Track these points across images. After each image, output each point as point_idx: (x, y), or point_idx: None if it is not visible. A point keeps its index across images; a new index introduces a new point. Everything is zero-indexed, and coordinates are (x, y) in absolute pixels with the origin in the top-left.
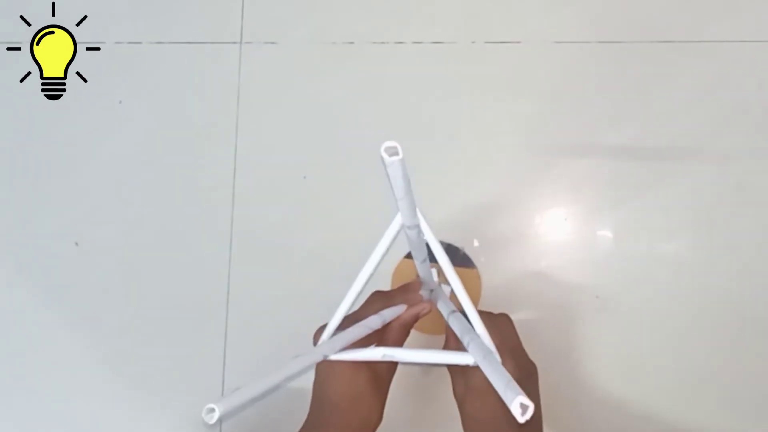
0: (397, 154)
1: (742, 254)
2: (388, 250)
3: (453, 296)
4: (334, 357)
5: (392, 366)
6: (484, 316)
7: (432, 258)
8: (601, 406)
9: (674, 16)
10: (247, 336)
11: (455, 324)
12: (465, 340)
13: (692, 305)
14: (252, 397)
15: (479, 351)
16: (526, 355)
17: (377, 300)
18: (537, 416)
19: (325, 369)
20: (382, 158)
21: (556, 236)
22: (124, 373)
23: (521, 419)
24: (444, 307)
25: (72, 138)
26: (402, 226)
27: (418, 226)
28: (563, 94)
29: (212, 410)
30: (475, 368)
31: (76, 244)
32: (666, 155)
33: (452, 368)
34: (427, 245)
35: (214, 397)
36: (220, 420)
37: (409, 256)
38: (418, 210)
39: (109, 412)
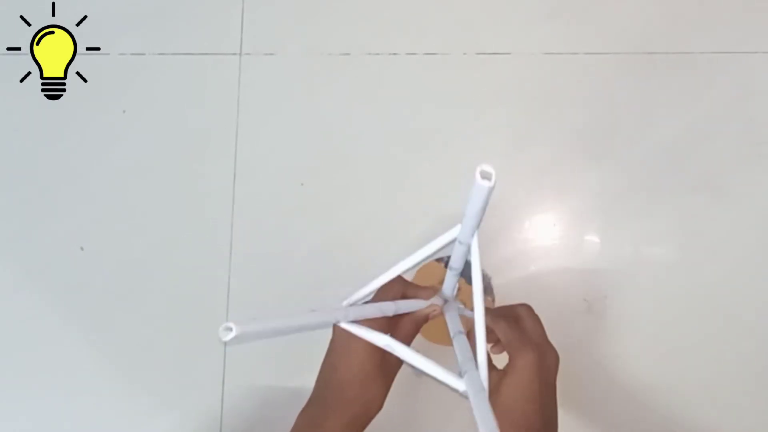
0: (489, 179)
1: (726, 257)
2: (435, 253)
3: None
4: (344, 325)
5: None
6: (504, 310)
7: (462, 274)
8: (588, 407)
9: (658, 28)
10: None
11: (458, 347)
12: (463, 368)
13: (677, 307)
14: (265, 329)
15: (473, 385)
16: (549, 345)
17: (397, 283)
18: (553, 413)
19: (341, 344)
20: (475, 177)
21: (544, 241)
22: (126, 374)
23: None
24: (452, 324)
25: (78, 145)
26: (455, 239)
27: (469, 245)
28: (552, 104)
29: (230, 329)
30: (510, 363)
31: (82, 248)
32: (651, 162)
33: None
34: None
35: (214, 397)
36: (229, 342)
37: (439, 260)
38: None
39: (109, 412)
